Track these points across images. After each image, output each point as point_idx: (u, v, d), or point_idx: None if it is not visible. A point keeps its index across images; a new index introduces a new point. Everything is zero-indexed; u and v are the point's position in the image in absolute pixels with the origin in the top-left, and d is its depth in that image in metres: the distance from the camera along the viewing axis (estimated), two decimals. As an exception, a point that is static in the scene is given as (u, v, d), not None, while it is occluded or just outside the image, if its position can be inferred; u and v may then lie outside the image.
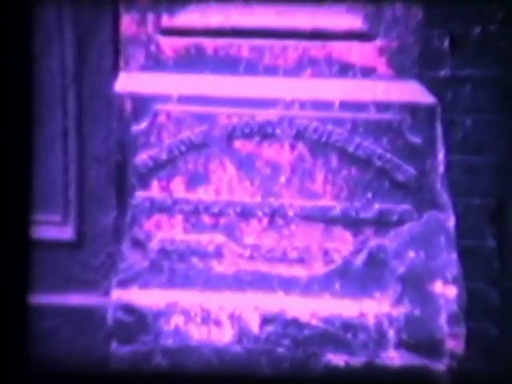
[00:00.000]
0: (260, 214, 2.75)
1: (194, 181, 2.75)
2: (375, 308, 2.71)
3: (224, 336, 2.72)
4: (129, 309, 2.75)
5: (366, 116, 2.72)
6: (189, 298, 2.73)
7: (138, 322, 2.73)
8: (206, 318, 2.72)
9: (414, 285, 2.72)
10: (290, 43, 2.76)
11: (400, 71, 2.74)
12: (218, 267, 2.76)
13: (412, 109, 2.72)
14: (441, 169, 2.72)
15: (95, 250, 2.80)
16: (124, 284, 2.74)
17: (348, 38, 2.75)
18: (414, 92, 2.73)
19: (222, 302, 2.73)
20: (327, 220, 2.74)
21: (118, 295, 2.74)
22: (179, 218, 2.77)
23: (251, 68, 2.76)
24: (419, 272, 2.71)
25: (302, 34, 2.77)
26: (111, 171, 2.75)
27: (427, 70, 2.75)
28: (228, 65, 2.76)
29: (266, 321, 2.71)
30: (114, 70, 2.76)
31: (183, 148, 2.77)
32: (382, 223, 2.73)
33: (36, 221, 2.63)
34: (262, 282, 2.73)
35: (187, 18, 2.77)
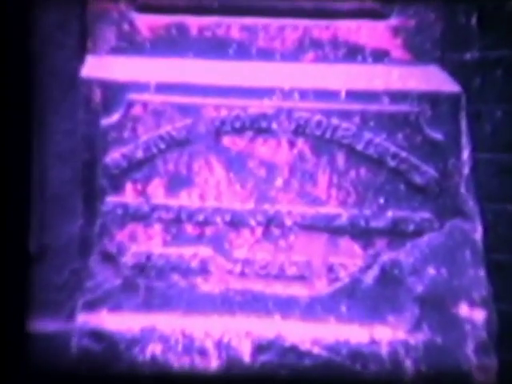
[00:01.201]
0: (253, 222, 2.53)
1: (175, 184, 2.53)
2: (389, 334, 2.49)
3: (210, 367, 2.48)
4: (97, 335, 2.49)
5: (378, 108, 2.51)
6: (168, 323, 2.50)
7: (109, 350, 2.48)
8: (189, 346, 2.49)
9: (435, 307, 2.49)
10: (289, 22, 2.54)
11: (418, 54, 2.52)
12: (204, 286, 2.52)
13: (432, 99, 2.50)
14: (466, 170, 2.51)
15: (58, 266, 2.55)
16: (92, 306, 2.50)
17: (357, 15, 2.53)
18: (435, 79, 2.52)
19: (207, 326, 2.50)
20: (332, 230, 2.51)
21: (84, 319, 2.50)
22: (158, 227, 2.54)
23: (243, 51, 2.54)
24: (441, 292, 2.49)
25: (302, 11, 2.54)
26: (77, 172, 2.53)
27: (451, 52, 2.53)
28: (215, 47, 2.54)
29: (259, 349, 2.49)
30: (81, 53, 2.52)
31: (162, 145, 2.54)
32: (396, 234, 2.51)
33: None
34: (255, 304, 2.51)
35: (167, -9, 2.55)
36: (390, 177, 2.50)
